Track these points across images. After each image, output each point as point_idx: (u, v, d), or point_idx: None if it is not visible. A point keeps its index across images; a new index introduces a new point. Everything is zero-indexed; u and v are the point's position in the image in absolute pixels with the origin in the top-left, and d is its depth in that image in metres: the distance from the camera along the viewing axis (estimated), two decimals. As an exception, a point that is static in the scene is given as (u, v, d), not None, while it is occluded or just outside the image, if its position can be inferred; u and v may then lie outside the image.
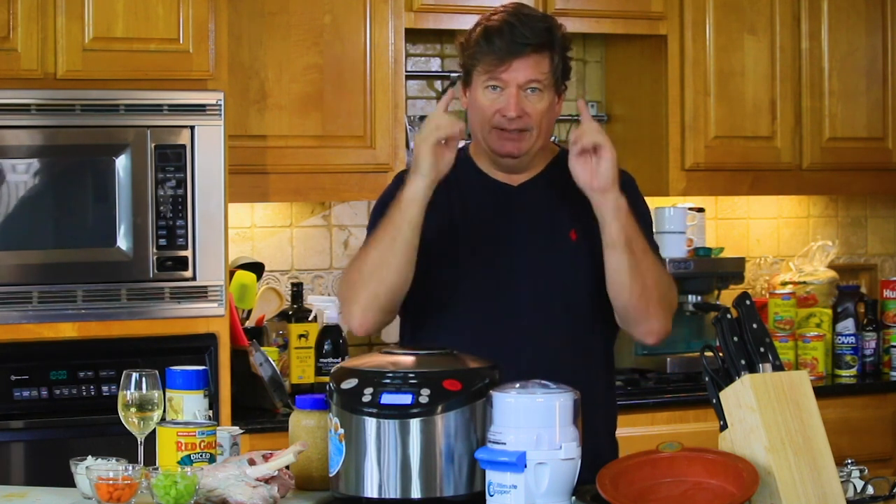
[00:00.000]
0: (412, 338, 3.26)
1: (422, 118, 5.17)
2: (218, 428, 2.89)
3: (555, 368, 2.86)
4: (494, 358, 2.81)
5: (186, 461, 2.78)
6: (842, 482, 2.67)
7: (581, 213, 3.16)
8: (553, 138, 3.34)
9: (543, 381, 2.66)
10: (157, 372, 2.89)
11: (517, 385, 2.65)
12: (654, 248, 3.24)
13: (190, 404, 2.90)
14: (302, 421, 2.91)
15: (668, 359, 5.04)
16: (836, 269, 5.67)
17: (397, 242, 3.05)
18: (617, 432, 3.31)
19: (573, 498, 2.64)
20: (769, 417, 2.62)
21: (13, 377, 4.10)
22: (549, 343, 3.12)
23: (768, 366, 2.71)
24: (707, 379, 2.74)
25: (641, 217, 3.23)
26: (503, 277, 3.16)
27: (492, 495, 2.61)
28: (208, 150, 4.21)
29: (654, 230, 5.07)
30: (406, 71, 4.90)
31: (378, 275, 3.08)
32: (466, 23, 3.25)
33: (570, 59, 3.19)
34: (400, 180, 3.25)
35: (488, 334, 3.10)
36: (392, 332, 5.03)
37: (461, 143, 3.10)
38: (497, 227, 3.18)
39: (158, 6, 4.19)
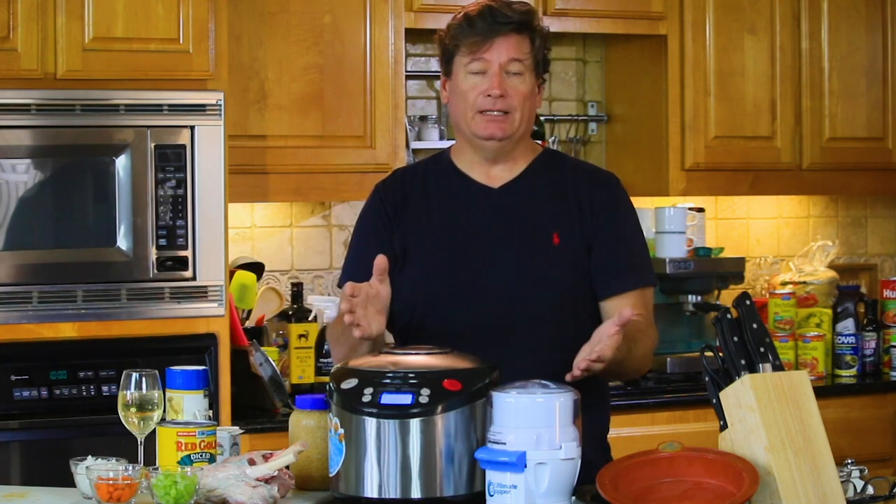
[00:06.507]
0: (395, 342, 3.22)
1: (422, 118, 5.18)
2: (218, 428, 2.89)
3: (538, 373, 2.78)
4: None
5: (186, 461, 2.78)
6: (842, 482, 2.66)
7: (563, 215, 3.15)
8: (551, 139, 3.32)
9: (543, 381, 2.66)
10: (157, 372, 2.88)
11: (517, 385, 2.65)
12: (643, 246, 3.23)
13: (190, 404, 2.90)
14: (302, 421, 2.91)
15: (668, 359, 5.03)
16: (836, 269, 5.67)
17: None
18: (611, 434, 3.26)
19: (573, 498, 2.64)
20: (769, 417, 2.62)
21: (13, 377, 4.10)
22: (532, 347, 3.07)
23: (768, 366, 2.71)
24: (707, 379, 2.74)
25: (628, 225, 3.21)
26: (483, 282, 3.11)
27: (492, 495, 2.61)
28: (208, 150, 4.21)
29: (653, 230, 5.15)
30: (406, 71, 4.90)
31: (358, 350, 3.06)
32: (466, 23, 3.25)
33: (548, 52, 3.18)
34: (377, 192, 3.24)
35: (468, 339, 2.99)
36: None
37: (446, 144, 3.07)
38: (477, 230, 3.15)
39: (158, 6, 4.19)
